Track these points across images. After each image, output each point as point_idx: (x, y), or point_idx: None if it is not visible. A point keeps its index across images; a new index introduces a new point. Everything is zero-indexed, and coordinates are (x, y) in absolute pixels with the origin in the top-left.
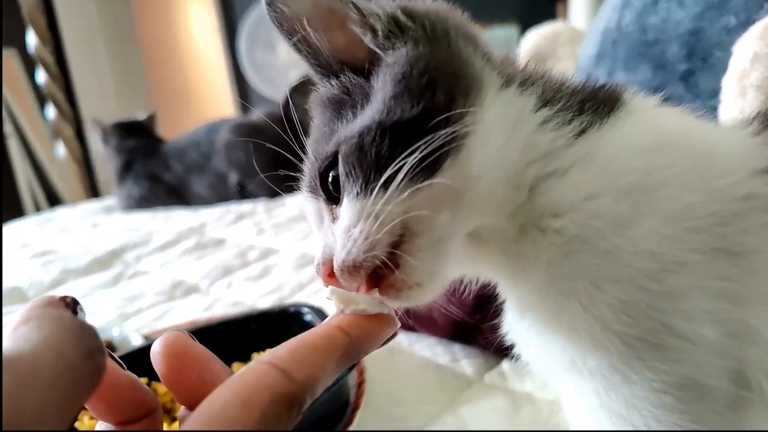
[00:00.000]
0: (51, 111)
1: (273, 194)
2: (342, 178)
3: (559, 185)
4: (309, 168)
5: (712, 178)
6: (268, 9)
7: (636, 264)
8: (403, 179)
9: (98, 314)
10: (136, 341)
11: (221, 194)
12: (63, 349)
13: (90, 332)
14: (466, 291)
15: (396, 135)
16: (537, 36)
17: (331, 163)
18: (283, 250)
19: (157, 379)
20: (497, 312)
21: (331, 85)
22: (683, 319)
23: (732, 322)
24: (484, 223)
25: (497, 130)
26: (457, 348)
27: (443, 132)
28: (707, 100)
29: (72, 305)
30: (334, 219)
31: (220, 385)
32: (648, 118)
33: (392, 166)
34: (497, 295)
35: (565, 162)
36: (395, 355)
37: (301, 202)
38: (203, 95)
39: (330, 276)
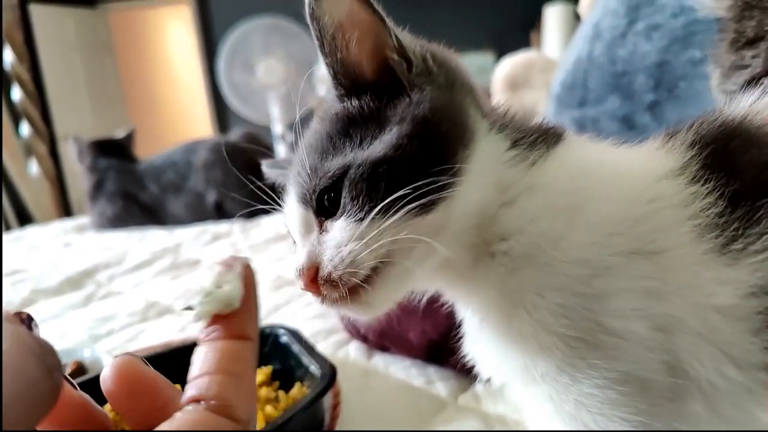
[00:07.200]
0: (25, 128)
1: (250, 214)
2: (345, 199)
3: (508, 212)
4: (304, 179)
5: (625, 189)
6: (308, 7)
7: (570, 272)
8: (400, 211)
9: (69, 335)
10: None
11: (198, 214)
12: (23, 366)
13: (48, 349)
14: (441, 312)
15: (404, 171)
16: (511, 64)
17: (335, 182)
18: (259, 271)
19: None
20: None
21: (351, 104)
22: (614, 318)
23: (658, 317)
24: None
25: (482, 175)
26: (431, 370)
27: (445, 177)
28: None
29: (27, 321)
30: (322, 231)
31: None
32: (577, 149)
33: (393, 198)
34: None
35: (516, 192)
36: (370, 377)
37: (286, 208)
38: (180, 114)
39: (312, 281)
